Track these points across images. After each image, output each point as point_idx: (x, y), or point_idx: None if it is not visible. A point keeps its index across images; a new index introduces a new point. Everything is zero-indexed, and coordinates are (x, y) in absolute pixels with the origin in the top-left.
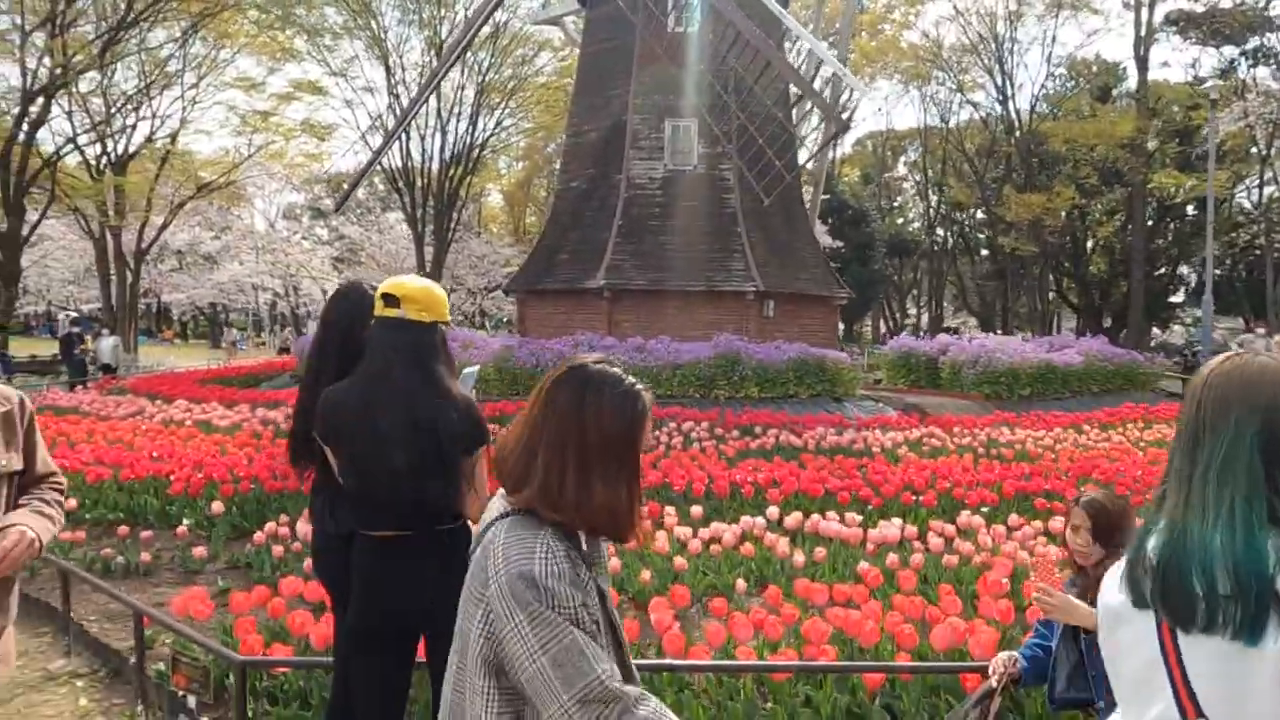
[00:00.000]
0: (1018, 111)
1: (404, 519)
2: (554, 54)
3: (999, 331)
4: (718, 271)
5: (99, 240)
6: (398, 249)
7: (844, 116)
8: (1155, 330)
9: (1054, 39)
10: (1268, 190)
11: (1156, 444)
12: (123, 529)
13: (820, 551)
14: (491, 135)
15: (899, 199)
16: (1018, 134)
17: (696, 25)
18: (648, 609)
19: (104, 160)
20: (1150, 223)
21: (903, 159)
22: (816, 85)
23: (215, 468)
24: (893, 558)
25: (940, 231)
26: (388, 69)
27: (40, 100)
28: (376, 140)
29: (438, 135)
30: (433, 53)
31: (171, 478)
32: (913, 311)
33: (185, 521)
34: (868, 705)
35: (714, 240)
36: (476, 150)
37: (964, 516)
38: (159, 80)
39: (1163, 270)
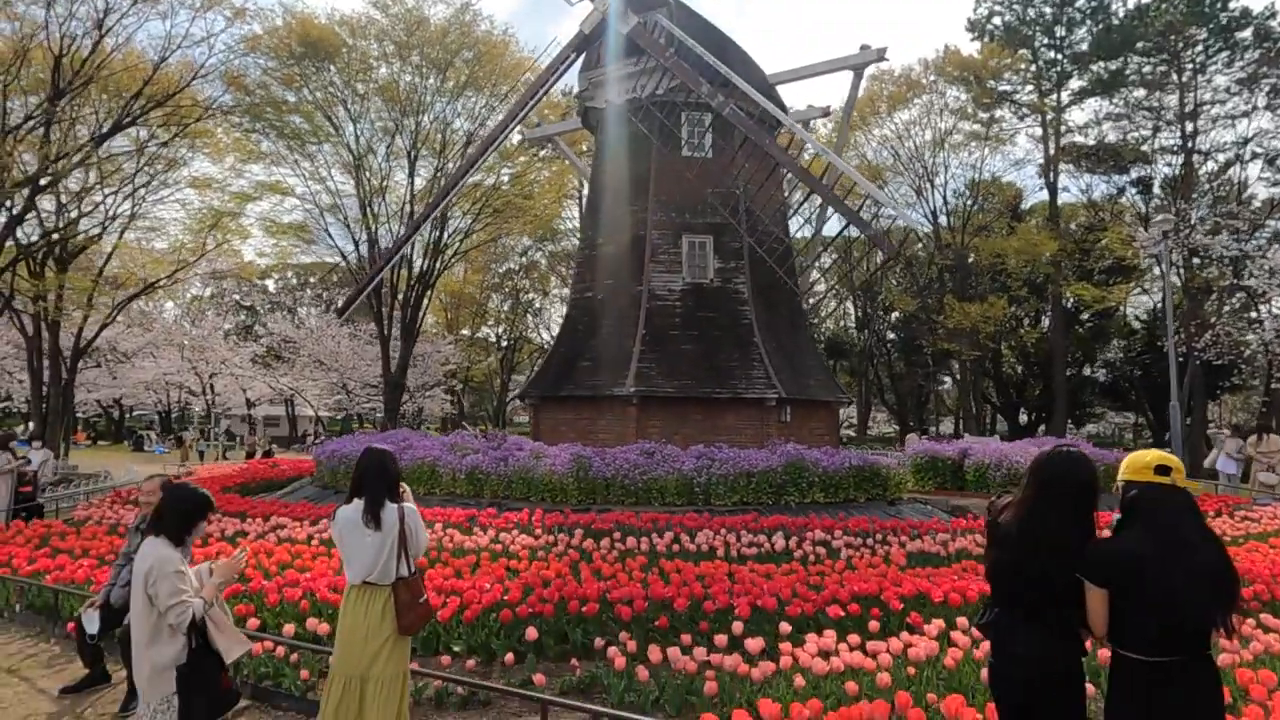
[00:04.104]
0: (950, 227)
1: (1197, 648)
2: (516, 163)
3: (911, 424)
4: (740, 380)
5: (33, 338)
6: (339, 348)
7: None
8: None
9: (978, 166)
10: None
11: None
12: (444, 659)
13: None
14: (464, 239)
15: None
16: (950, 247)
17: (708, 150)
18: None
19: (46, 256)
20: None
21: (816, 265)
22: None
23: (470, 594)
24: None
25: (864, 333)
26: (359, 174)
27: (21, 197)
28: (349, 249)
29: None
30: (402, 161)
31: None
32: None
33: (453, 648)
34: None
35: (734, 350)
36: (443, 253)
37: None
38: (113, 179)
39: (1071, 373)
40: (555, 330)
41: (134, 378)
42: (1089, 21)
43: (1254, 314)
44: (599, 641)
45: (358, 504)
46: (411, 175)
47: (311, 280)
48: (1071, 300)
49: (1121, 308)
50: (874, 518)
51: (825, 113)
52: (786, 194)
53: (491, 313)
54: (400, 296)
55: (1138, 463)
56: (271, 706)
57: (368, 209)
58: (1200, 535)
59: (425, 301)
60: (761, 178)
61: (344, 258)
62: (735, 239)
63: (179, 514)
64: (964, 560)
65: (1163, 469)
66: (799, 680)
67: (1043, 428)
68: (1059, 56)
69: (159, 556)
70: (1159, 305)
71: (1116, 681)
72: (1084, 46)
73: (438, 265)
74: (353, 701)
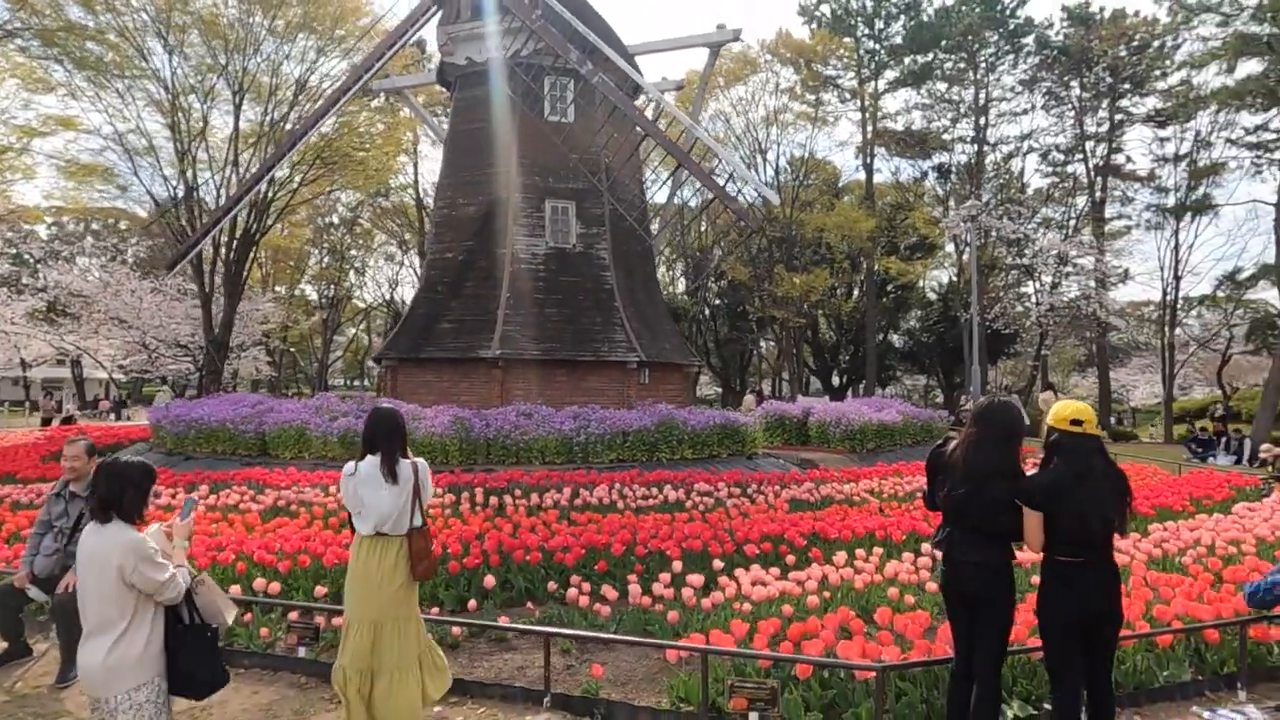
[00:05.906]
0: (779, 201)
1: (1103, 551)
2: (346, 113)
3: (734, 386)
4: (603, 343)
5: None
6: (140, 304)
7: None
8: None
9: (807, 144)
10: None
11: None
12: None
13: None
14: (294, 193)
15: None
16: (778, 220)
17: (572, 115)
18: None
19: None
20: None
21: (662, 233)
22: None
23: None
24: None
25: (694, 299)
26: (175, 115)
27: None
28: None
29: (235, 187)
30: (224, 104)
31: None
32: None
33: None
34: None
35: (595, 314)
36: (269, 205)
37: None
38: None
39: (879, 339)
40: (383, 289)
41: None
42: (903, 17)
43: (1028, 289)
44: (552, 585)
45: (372, 459)
46: (237, 120)
47: (95, 227)
48: (880, 273)
49: (921, 281)
50: (742, 471)
51: (679, 87)
52: (651, 163)
53: (312, 269)
54: (223, 252)
55: (1060, 414)
56: (229, 665)
57: (185, 154)
58: (1105, 468)
59: (250, 257)
60: (628, 147)
61: (157, 205)
62: (596, 205)
63: (133, 494)
64: (833, 505)
65: (1077, 421)
66: (745, 607)
67: (850, 390)
68: (877, 47)
69: (128, 544)
70: (953, 279)
71: (1046, 577)
72: (899, 40)
73: (265, 220)
74: (366, 643)
